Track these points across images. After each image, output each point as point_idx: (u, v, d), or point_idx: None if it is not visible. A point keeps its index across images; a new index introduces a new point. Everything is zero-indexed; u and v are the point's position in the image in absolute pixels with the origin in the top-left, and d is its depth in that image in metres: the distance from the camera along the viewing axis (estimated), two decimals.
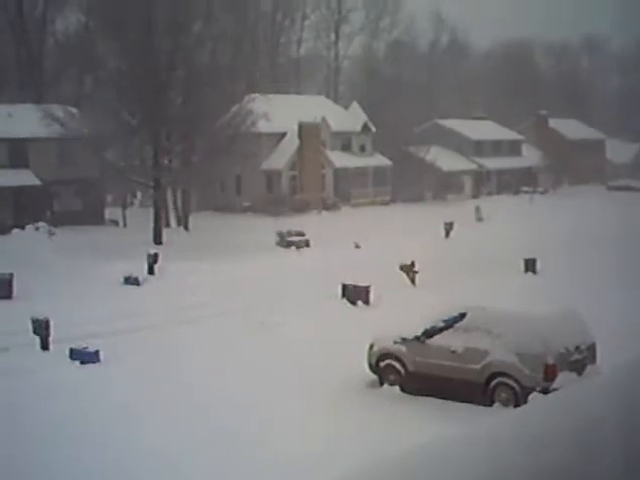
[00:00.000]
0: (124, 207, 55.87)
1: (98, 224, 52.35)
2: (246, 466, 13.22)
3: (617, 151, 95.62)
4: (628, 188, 79.05)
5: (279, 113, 61.26)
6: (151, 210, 48.14)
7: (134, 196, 68.63)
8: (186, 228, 53.52)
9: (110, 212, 55.65)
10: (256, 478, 12.56)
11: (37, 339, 21.85)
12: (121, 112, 48.05)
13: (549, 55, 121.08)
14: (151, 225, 46.62)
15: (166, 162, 48.32)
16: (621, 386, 1.83)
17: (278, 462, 13.29)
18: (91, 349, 20.54)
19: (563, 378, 15.75)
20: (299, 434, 14.75)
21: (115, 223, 54.60)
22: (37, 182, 49.48)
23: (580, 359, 16.65)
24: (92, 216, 52.56)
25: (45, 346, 21.82)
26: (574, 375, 16.06)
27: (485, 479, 1.38)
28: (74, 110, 50.07)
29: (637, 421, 1.62)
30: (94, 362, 20.17)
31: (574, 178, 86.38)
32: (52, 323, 21.86)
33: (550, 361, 16.09)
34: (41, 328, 21.90)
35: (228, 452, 13.81)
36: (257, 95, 58.33)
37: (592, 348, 17.07)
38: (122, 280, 32.00)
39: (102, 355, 20.40)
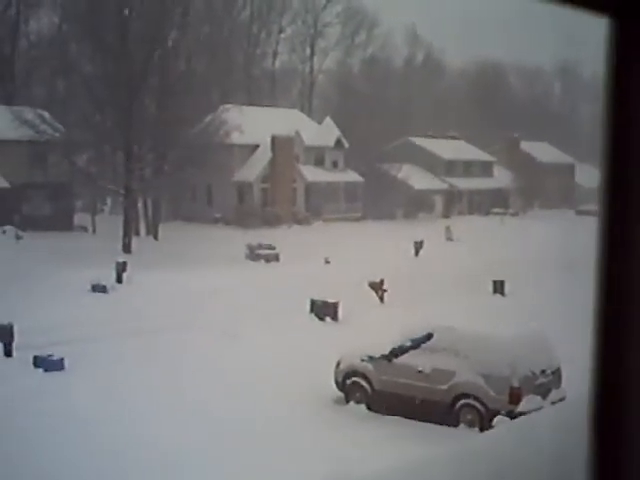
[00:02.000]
0: (94, 214, 55.54)
1: (67, 230, 51.99)
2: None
3: (587, 175, 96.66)
4: (597, 213, 79.63)
5: (252, 125, 61.37)
6: (121, 218, 47.92)
7: (104, 203, 68.24)
8: (156, 237, 53.33)
9: (79, 218, 55.27)
10: None
11: (0, 345, 21.64)
12: (93, 117, 47.86)
13: (523, 78, 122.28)
14: (120, 233, 46.40)
15: (138, 170, 48.14)
16: (584, 415, 1.83)
17: (232, 477, 13.27)
18: (56, 357, 20.37)
19: (528, 401, 15.88)
20: (259, 449, 14.74)
21: (84, 229, 54.23)
22: (5, 185, 49.06)
23: (545, 383, 16.81)
24: (61, 221, 52.19)
25: (8, 353, 21.61)
26: (539, 399, 16.19)
27: None
28: (45, 113, 49.79)
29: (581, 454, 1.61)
30: (58, 370, 20.00)
31: (544, 201, 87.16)
32: (16, 329, 21.67)
33: (516, 384, 16.23)
34: (4, 334, 21.68)
35: (182, 466, 13.76)
36: (231, 106, 58.41)
37: (557, 372, 17.24)
38: (90, 288, 31.81)
39: (67, 363, 20.25)
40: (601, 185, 0.99)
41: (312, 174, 66.76)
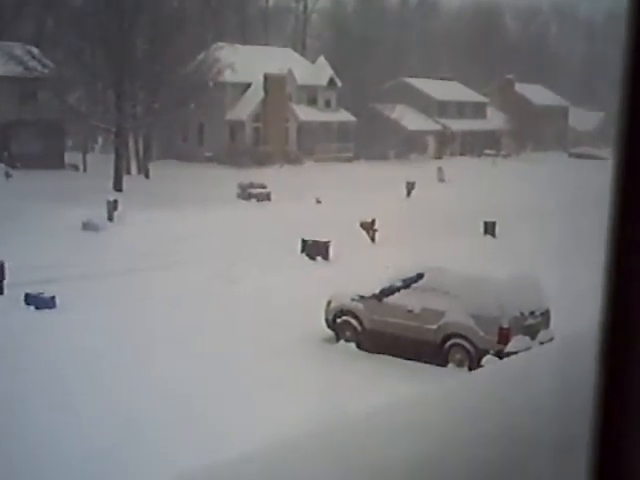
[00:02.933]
0: (85, 152, 55.13)
1: (57, 168, 51.65)
2: (191, 419, 13.28)
3: (580, 119, 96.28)
4: (589, 156, 79.72)
5: (245, 63, 60.69)
6: (112, 156, 47.60)
7: (95, 141, 67.75)
8: (147, 176, 53.07)
9: (70, 156, 54.88)
10: (202, 434, 12.61)
11: None
12: (84, 54, 47.17)
13: (519, 18, 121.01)
14: (112, 172, 46.13)
15: (129, 108, 47.67)
16: (573, 354, 1.82)
17: (224, 416, 13.36)
18: (47, 295, 20.37)
19: (517, 342, 15.99)
20: (251, 386, 14.85)
21: (75, 168, 53.90)
22: None
23: (534, 324, 16.91)
24: (51, 160, 51.78)
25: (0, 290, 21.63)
26: (527, 339, 16.31)
27: (435, 444, 1.37)
28: (34, 49, 49.08)
29: (586, 390, 1.63)
30: (50, 308, 20.03)
31: (537, 143, 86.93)
32: (7, 266, 21.65)
33: (505, 324, 16.33)
34: None
35: (174, 403, 13.86)
36: (224, 44, 57.69)
37: (546, 313, 17.34)
38: (81, 226, 31.71)
39: (58, 301, 20.27)
40: (618, 131, 0.89)
41: (305, 113, 66.29)
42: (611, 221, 0.86)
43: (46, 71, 46.30)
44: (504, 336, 16.27)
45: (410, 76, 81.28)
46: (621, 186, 0.84)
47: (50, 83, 45.77)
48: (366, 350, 17.71)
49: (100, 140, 67.88)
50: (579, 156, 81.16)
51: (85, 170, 53.41)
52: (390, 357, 17.08)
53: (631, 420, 0.87)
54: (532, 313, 17.00)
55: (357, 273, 21.54)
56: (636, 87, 0.87)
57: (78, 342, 17.16)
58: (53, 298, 20.29)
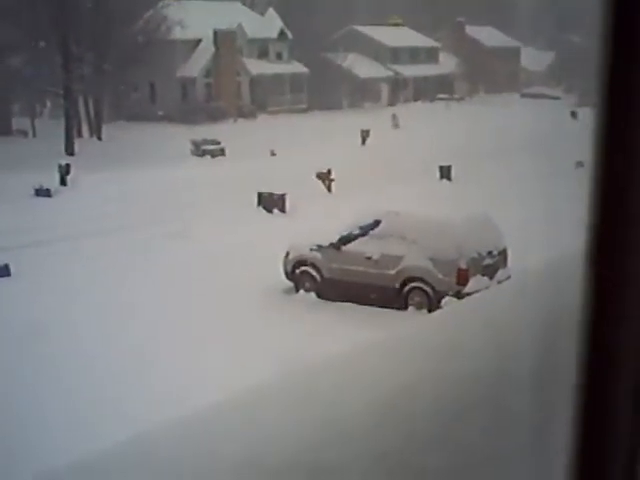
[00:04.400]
0: (33, 117, 54.06)
1: (4, 134, 50.63)
2: (149, 376, 13.17)
3: (532, 59, 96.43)
4: (542, 96, 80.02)
5: (194, 19, 59.84)
6: (62, 121, 46.76)
7: (44, 106, 66.50)
8: (99, 138, 52.31)
9: (18, 122, 53.82)
10: (163, 389, 12.52)
11: None
12: (26, 14, 46.00)
13: None
14: (63, 136, 45.35)
15: (77, 69, 46.76)
16: (531, 290, 1.86)
17: (182, 370, 13.28)
18: (0, 263, 20.02)
19: (475, 282, 16.05)
20: (211, 339, 14.77)
21: (24, 134, 52.85)
22: None
23: (492, 264, 16.97)
24: None
25: None
26: (486, 279, 16.37)
27: (402, 385, 1.38)
28: None
29: (547, 322, 1.62)
30: (4, 276, 19.68)
31: (490, 86, 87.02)
32: None
33: (463, 265, 16.36)
34: None
35: (134, 366, 13.73)
36: (171, 1, 56.77)
37: (504, 253, 17.40)
38: (33, 192, 31.16)
39: (13, 269, 19.93)
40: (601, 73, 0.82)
41: (256, 67, 65.69)
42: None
43: None
44: (462, 277, 16.31)
45: (360, 24, 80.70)
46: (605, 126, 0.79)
47: None
48: (326, 299, 17.69)
49: (49, 104, 66.65)
50: (532, 96, 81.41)
51: (35, 135, 52.41)
52: (351, 304, 17.08)
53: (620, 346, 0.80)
54: (489, 253, 17.06)
55: (315, 223, 21.43)
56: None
57: (33, 309, 16.89)
58: (7, 266, 19.93)
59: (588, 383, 0.81)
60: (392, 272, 17.03)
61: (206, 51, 63.13)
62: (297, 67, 69.09)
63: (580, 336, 0.81)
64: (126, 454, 1.18)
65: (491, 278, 16.49)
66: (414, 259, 16.84)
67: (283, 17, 68.87)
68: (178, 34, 57.65)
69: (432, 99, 77.62)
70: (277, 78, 67.01)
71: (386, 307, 16.63)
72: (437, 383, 1.38)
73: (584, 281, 0.81)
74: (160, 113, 60.83)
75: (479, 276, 16.46)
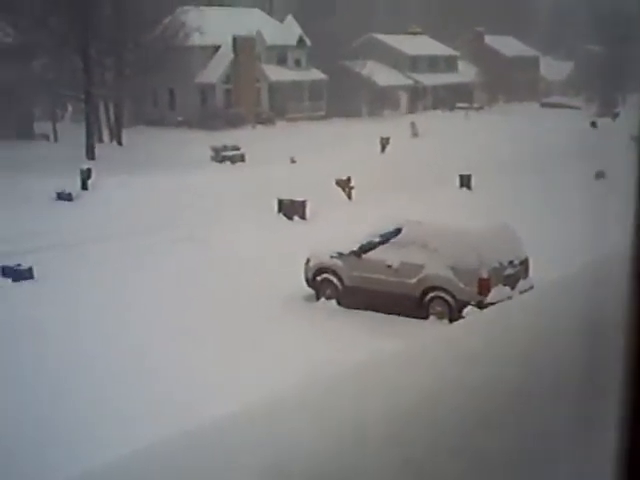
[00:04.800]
0: (54, 121, 54.40)
1: (27, 138, 50.94)
2: (173, 383, 13.26)
3: (551, 68, 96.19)
4: (561, 105, 79.76)
5: (213, 26, 60.06)
6: (83, 125, 47.03)
7: (65, 110, 66.86)
8: (119, 143, 52.55)
9: (40, 126, 54.16)
10: (187, 396, 12.60)
11: None
12: (47, 19, 46.31)
13: None
14: (83, 140, 45.62)
15: (97, 74, 47.06)
16: (554, 300, 1.85)
17: (205, 378, 13.35)
18: (24, 266, 20.16)
19: (497, 292, 16.04)
20: (234, 347, 14.83)
21: (45, 138, 53.19)
22: None
23: (513, 273, 16.96)
24: (20, 130, 50.99)
25: None
26: (508, 289, 16.37)
27: (423, 395, 1.36)
28: None
29: (570, 334, 1.63)
30: (27, 279, 19.83)
31: (509, 95, 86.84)
32: None
33: (484, 275, 16.36)
34: None
35: (152, 374, 13.82)
36: (190, 7, 57.02)
37: (525, 262, 17.39)
38: (55, 196, 31.39)
39: (36, 272, 20.08)
40: None
41: (275, 73, 65.82)
42: None
43: (9, 39, 45.44)
44: (484, 287, 16.31)
45: (379, 32, 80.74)
46: None
47: (12, 50, 44.90)
48: (347, 307, 17.72)
49: (70, 108, 67.00)
50: (552, 106, 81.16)
51: (56, 139, 52.74)
52: (371, 313, 17.10)
53: None
54: (511, 263, 17.05)
55: (335, 231, 21.49)
56: None
57: (57, 311, 17.02)
58: (30, 269, 20.09)
59: (636, 397, 0.82)
60: (413, 281, 17.05)
61: (225, 57, 63.32)
62: (316, 74, 69.17)
63: (623, 346, 0.82)
64: (137, 465, 1.16)
65: (513, 288, 16.47)
66: (435, 268, 16.86)
67: (302, 24, 68.99)
68: (197, 40, 57.89)
69: (451, 108, 77.50)
70: (296, 85, 67.12)
71: (407, 316, 16.63)
72: (459, 393, 1.38)
73: (629, 289, 0.83)
74: (179, 119, 61.06)
75: (501, 286, 16.44)
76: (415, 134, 57.03)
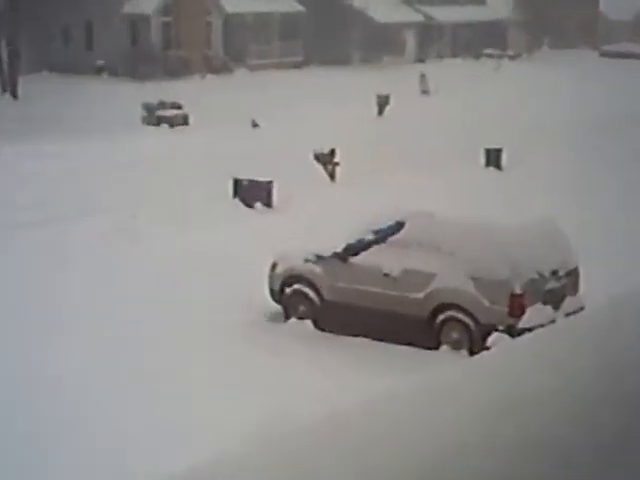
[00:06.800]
0: None
1: None
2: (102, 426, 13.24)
3: (614, 5, 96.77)
4: (628, 55, 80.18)
5: None
6: None
7: None
8: (14, 95, 52.45)
9: None
10: (118, 444, 12.59)
11: None
12: None
13: None
14: None
15: None
16: (615, 327, 1.82)
17: (133, 428, 13.33)
18: None
19: (535, 313, 16.09)
20: (172, 387, 14.77)
21: None
22: None
23: (558, 288, 17.01)
24: None
25: None
26: (549, 309, 16.42)
27: (426, 454, 1.34)
28: None
29: (627, 374, 1.61)
30: None
31: (557, 39, 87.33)
32: None
33: (517, 289, 16.40)
34: None
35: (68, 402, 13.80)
36: None
37: (574, 274, 17.43)
38: None
39: None
40: None
41: (233, 3, 65.84)
42: None
43: None
44: (517, 305, 16.35)
45: None
46: None
47: None
48: (327, 330, 17.74)
49: None
50: (615, 55, 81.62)
51: None
52: (360, 339, 17.11)
53: None
54: (554, 273, 17.09)
55: (312, 224, 21.51)
56: None
57: None
58: None
59: None
60: (419, 295, 17.07)
61: None
62: (289, 4, 69.33)
63: None
64: None
65: (556, 308, 16.55)
66: (450, 278, 16.88)
67: None
68: None
69: (476, 55, 77.90)
70: (262, 19, 67.25)
71: (411, 345, 16.67)
72: (483, 453, 1.35)
73: None
74: (99, 63, 61.05)
75: (540, 305, 16.50)
76: (425, 91, 57.25)
